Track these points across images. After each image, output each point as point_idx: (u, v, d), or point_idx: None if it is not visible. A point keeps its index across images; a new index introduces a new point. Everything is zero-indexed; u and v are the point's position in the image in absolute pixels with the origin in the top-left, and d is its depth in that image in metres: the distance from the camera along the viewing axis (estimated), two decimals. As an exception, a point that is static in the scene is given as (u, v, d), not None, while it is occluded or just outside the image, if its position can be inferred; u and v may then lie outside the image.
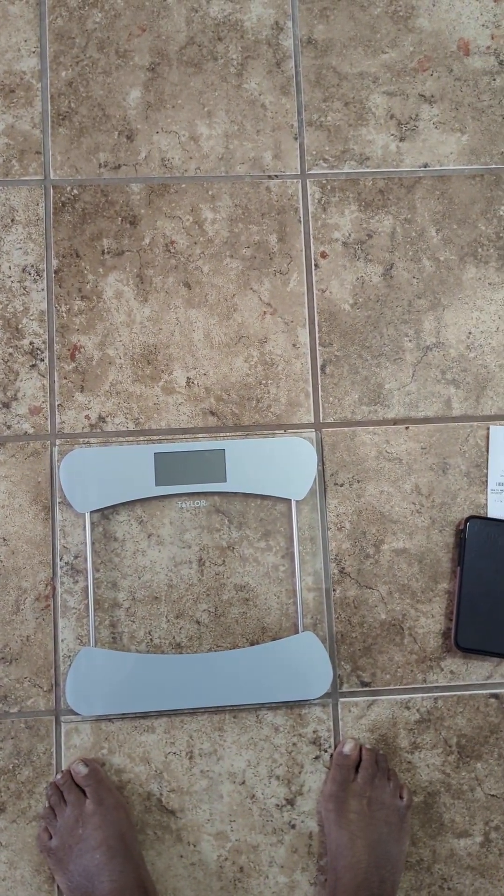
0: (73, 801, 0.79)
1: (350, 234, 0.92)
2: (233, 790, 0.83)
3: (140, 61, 0.93)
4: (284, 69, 0.94)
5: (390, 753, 0.84)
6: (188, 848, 0.82)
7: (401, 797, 0.81)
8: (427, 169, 0.93)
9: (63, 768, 0.82)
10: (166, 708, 0.82)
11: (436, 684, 0.86)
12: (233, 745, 0.84)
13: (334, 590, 0.86)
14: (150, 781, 0.83)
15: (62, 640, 0.84)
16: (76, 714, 0.82)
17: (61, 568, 0.85)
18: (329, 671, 0.84)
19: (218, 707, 0.83)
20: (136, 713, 0.83)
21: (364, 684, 0.86)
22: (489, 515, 0.87)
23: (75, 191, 0.91)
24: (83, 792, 0.79)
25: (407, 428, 0.89)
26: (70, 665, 0.83)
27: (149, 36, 0.93)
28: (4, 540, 0.85)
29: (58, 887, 0.81)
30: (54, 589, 0.85)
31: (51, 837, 0.79)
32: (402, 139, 0.93)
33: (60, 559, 0.85)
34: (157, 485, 0.85)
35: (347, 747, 0.82)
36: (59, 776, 0.81)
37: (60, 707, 0.83)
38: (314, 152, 0.93)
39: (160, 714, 0.83)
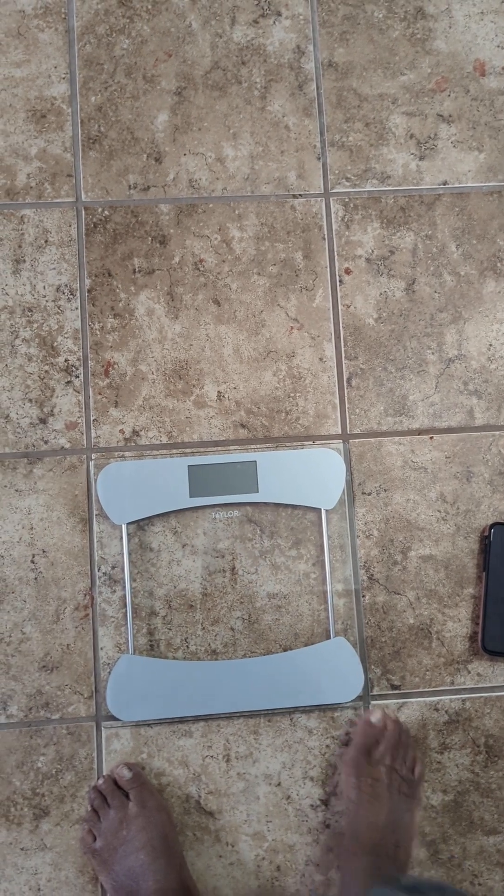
0: (117, 804, 0.80)
1: (373, 251, 0.94)
2: (269, 791, 0.85)
3: (167, 86, 0.95)
4: (306, 91, 0.96)
5: (421, 754, 0.86)
6: (227, 848, 0.84)
7: (413, 771, 0.83)
8: (446, 186, 0.95)
9: (105, 772, 0.84)
10: (204, 713, 0.84)
11: (463, 686, 0.88)
12: (268, 747, 0.86)
13: (364, 596, 0.88)
14: (189, 784, 0.85)
15: (101, 648, 0.86)
16: (116, 720, 0.84)
17: (99, 578, 0.87)
18: (360, 675, 0.85)
19: (253, 711, 0.85)
20: (174, 718, 0.85)
21: (394, 687, 0.87)
22: (512, 522, 0.89)
23: (106, 212, 0.93)
24: (126, 795, 0.81)
25: (431, 438, 0.91)
26: (110, 672, 0.85)
27: (175, 61, 0.96)
28: (44, 552, 0.87)
29: (101, 887, 0.82)
30: (93, 598, 0.87)
31: (95, 839, 0.81)
32: (421, 158, 0.96)
33: (98, 570, 0.87)
34: (191, 496, 0.87)
35: (375, 717, 0.84)
36: (101, 780, 0.83)
37: (101, 713, 0.85)
38: (337, 171, 0.95)
39: (197, 719, 0.85)
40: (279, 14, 0.97)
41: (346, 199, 0.94)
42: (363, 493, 0.90)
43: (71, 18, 0.96)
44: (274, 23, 0.97)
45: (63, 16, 0.95)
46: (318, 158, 0.95)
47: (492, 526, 0.88)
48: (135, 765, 0.83)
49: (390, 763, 0.82)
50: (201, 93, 0.95)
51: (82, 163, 0.93)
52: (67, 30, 0.95)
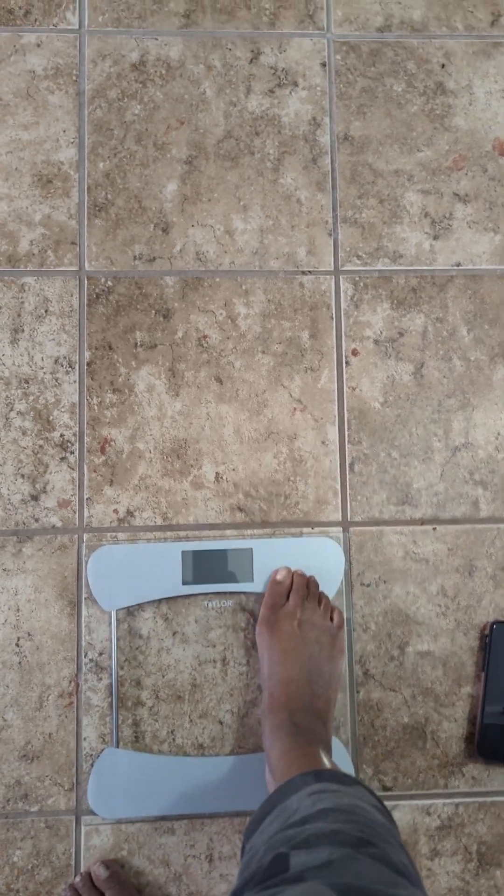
0: None
1: (382, 332, 0.91)
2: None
3: (177, 154, 0.93)
4: (321, 165, 0.93)
5: (341, 607, 0.83)
6: None
7: (331, 619, 0.82)
8: (460, 268, 0.92)
9: (82, 870, 0.81)
10: (189, 812, 0.81)
11: (457, 790, 0.85)
12: (253, 848, 0.83)
13: (358, 692, 0.85)
14: (170, 884, 0.82)
15: (84, 739, 0.83)
16: (97, 815, 0.81)
17: (85, 665, 0.84)
18: (351, 775, 0.82)
19: (241, 811, 0.82)
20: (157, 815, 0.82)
21: (386, 789, 0.84)
22: (515, 621, 0.86)
23: (110, 282, 0.90)
24: (102, 895, 0.78)
25: (434, 529, 0.88)
26: (92, 765, 0.82)
27: (186, 129, 0.93)
28: (29, 635, 0.84)
29: None
30: (78, 686, 0.84)
31: None
32: (435, 237, 0.93)
33: (85, 656, 0.84)
34: (184, 583, 0.84)
35: (280, 574, 0.83)
36: (77, 878, 0.80)
37: (81, 807, 0.82)
38: (348, 249, 0.92)
39: (181, 815, 0.82)
40: (296, 84, 0.94)
41: (357, 278, 0.92)
42: (362, 585, 0.87)
43: (82, 81, 0.93)
44: (290, 93, 0.94)
45: (74, 78, 0.93)
46: (330, 235, 0.92)
47: (493, 624, 0.85)
48: (112, 862, 0.80)
49: (301, 615, 0.80)
50: (212, 162, 0.93)
51: (87, 231, 0.91)
52: (78, 93, 0.93)
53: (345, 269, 0.92)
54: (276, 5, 0.95)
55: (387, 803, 0.83)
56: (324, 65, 0.95)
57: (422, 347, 0.91)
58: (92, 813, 0.81)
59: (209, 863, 0.82)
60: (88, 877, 0.79)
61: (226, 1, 0.95)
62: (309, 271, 0.91)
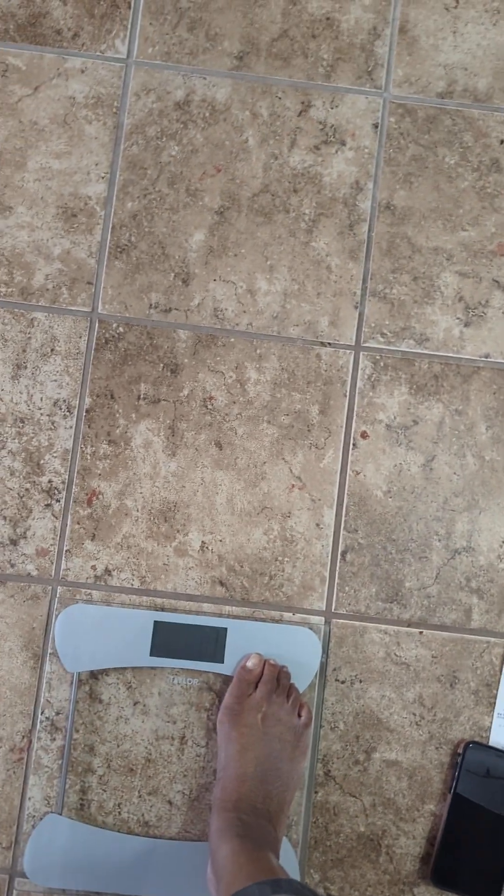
0: None
1: (395, 417, 0.86)
2: None
3: (209, 203, 0.89)
4: (357, 232, 0.89)
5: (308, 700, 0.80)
6: None
7: (299, 715, 0.78)
8: (488, 360, 0.87)
9: None
10: (125, 892, 0.78)
11: (405, 911, 0.81)
12: (184, 938, 0.80)
13: (316, 792, 0.82)
14: None
15: (29, 798, 0.81)
16: (31, 880, 0.79)
17: (41, 722, 0.81)
18: (297, 878, 0.79)
19: (175, 899, 0.79)
20: (93, 892, 0.79)
21: (330, 898, 0.81)
22: (491, 743, 0.82)
23: (121, 329, 0.87)
24: None
25: (421, 633, 0.84)
26: (33, 828, 0.79)
27: (223, 177, 0.89)
28: (-11, 683, 0.82)
29: None
30: (30, 743, 0.81)
31: None
32: (466, 324, 0.88)
33: (42, 713, 0.81)
34: (152, 654, 0.81)
35: (251, 662, 0.79)
36: None
37: (17, 868, 0.80)
38: (373, 324, 0.88)
39: (116, 894, 0.80)
40: (343, 143, 0.89)
41: (377, 357, 0.87)
42: (336, 680, 0.83)
43: (122, 114, 0.89)
44: (336, 152, 0.89)
45: (114, 110, 0.89)
46: (356, 307, 0.87)
47: (468, 744, 0.80)
48: None
49: (266, 709, 0.76)
50: (244, 216, 0.88)
51: (105, 271, 0.87)
52: (116, 126, 0.89)
53: (366, 345, 0.87)
54: (334, 56, 0.90)
55: (329, 914, 0.80)
56: (376, 126, 0.89)
57: (436, 439, 0.86)
58: (26, 877, 0.79)
59: (137, 946, 0.79)
60: None
61: (283, 46, 0.90)
62: (329, 343, 0.87)
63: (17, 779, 0.81)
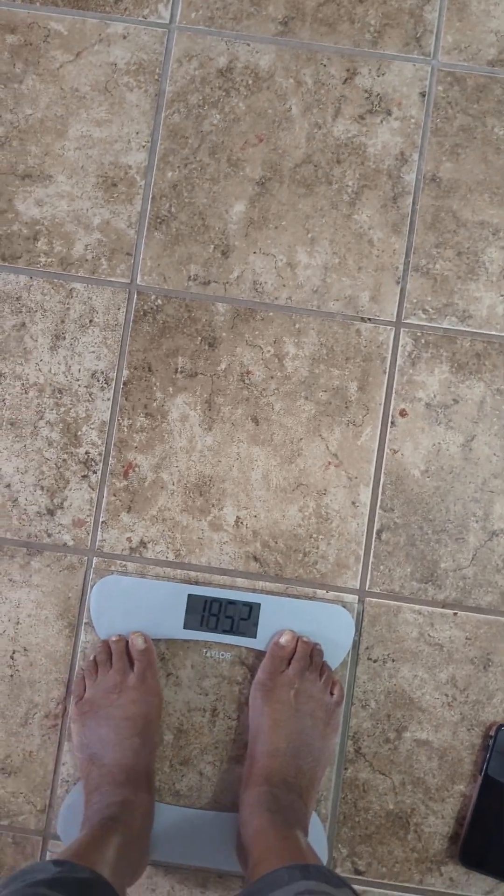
0: (120, 667, 0.78)
1: (435, 396, 0.85)
2: None
3: (251, 173, 0.87)
4: (400, 205, 0.86)
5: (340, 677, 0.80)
6: None
7: (331, 693, 0.78)
8: (532, 339, 0.85)
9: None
10: (155, 858, 0.79)
11: (432, 888, 0.81)
12: (212, 905, 0.81)
13: (346, 768, 0.82)
14: (124, 923, 0.81)
15: (63, 764, 0.82)
16: (64, 843, 0.80)
17: (75, 690, 0.82)
18: (325, 851, 0.79)
19: (205, 868, 0.80)
20: (121, 855, 0.81)
21: (358, 872, 0.81)
22: (524, 726, 0.81)
23: (159, 301, 0.86)
24: (131, 665, 0.78)
25: (455, 614, 0.83)
26: (66, 793, 0.81)
27: (265, 147, 0.87)
28: (25, 650, 0.83)
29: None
30: (65, 710, 0.82)
31: (85, 690, 0.78)
32: (511, 302, 0.85)
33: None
34: (185, 627, 0.81)
35: (284, 638, 0.79)
36: (114, 637, 0.79)
37: (50, 831, 0.81)
38: (414, 300, 0.86)
39: (146, 859, 0.81)
40: (389, 113, 0.87)
41: (419, 333, 0.85)
42: (369, 659, 0.82)
43: (164, 81, 0.88)
44: (381, 122, 0.87)
45: (156, 76, 0.88)
46: (398, 283, 0.86)
47: (499, 727, 0.80)
48: (150, 640, 0.79)
49: (299, 685, 0.77)
50: (286, 187, 0.87)
51: (144, 243, 0.86)
52: (158, 93, 0.88)
53: (408, 321, 0.85)
54: (382, 22, 0.87)
55: (358, 888, 0.80)
56: (423, 95, 0.87)
57: (476, 419, 0.84)
58: (59, 839, 0.80)
59: (166, 910, 0.81)
60: (125, 643, 0.79)
61: (329, 11, 0.88)
62: (369, 319, 0.85)
63: (52, 744, 0.82)
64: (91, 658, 0.80)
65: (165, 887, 0.81)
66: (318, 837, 0.79)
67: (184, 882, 0.81)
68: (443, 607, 0.83)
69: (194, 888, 0.81)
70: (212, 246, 0.86)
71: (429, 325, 0.85)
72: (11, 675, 0.82)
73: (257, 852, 0.66)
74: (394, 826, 0.81)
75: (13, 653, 0.83)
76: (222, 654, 0.82)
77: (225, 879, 0.81)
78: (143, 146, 0.87)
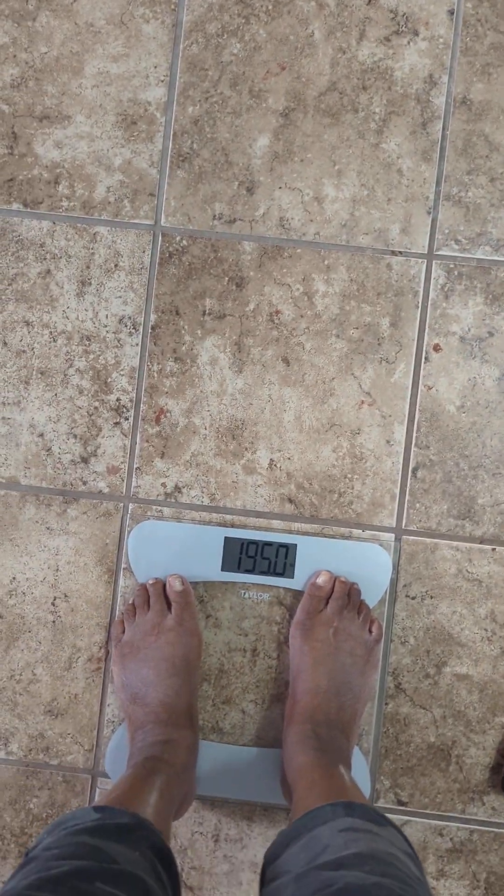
0: (158, 609, 0.79)
1: (469, 329, 0.83)
2: (252, 879, 0.83)
3: (273, 104, 0.84)
4: (430, 131, 0.83)
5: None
6: (200, 924, 0.83)
7: (370, 631, 0.79)
8: None
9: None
10: (201, 793, 0.81)
11: (474, 817, 0.82)
12: (259, 836, 0.83)
13: (387, 703, 0.82)
14: (175, 856, 0.83)
15: (108, 705, 0.83)
16: (112, 779, 0.82)
17: (117, 634, 0.84)
18: (367, 784, 0.81)
19: (250, 801, 0.82)
20: (169, 790, 0.83)
21: (401, 803, 0.82)
22: None
23: (185, 242, 0.84)
24: (169, 607, 0.79)
25: (494, 549, 0.82)
26: (113, 732, 0.83)
27: (287, 76, 0.84)
28: (66, 596, 0.84)
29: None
30: (108, 653, 0.84)
31: (124, 632, 0.80)
32: (548, 228, 0.82)
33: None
34: (223, 570, 0.82)
35: (321, 579, 0.79)
36: (151, 581, 0.80)
37: (98, 768, 0.84)
38: (446, 231, 0.83)
39: (192, 794, 0.83)
40: (416, 34, 0.83)
41: (451, 265, 0.83)
42: (407, 597, 0.82)
43: (181, 11, 0.84)
44: (408, 43, 0.83)
45: (173, 6, 0.84)
46: (429, 213, 0.83)
47: (540, 659, 0.80)
48: (188, 582, 0.80)
49: (338, 624, 0.78)
50: (311, 117, 0.84)
51: (167, 182, 0.84)
52: (175, 24, 0.84)
53: (440, 253, 0.83)
54: None
55: (400, 818, 0.82)
56: (452, 13, 0.83)
57: (512, 351, 0.82)
58: (107, 776, 0.82)
59: (214, 842, 0.83)
60: (162, 585, 0.80)
61: None
62: (400, 252, 0.83)
63: (97, 686, 0.83)
64: (129, 601, 0.81)
65: (212, 821, 0.83)
66: (360, 771, 0.80)
67: (230, 815, 0.83)
68: (480, 543, 0.82)
69: (240, 821, 0.83)
70: (236, 183, 0.84)
71: (462, 255, 0.83)
72: (53, 621, 0.84)
73: (301, 789, 0.67)
74: (435, 758, 0.82)
75: (54, 599, 0.84)
76: (260, 596, 0.83)
77: (270, 812, 0.82)
78: (162, 81, 0.84)
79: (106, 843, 0.54)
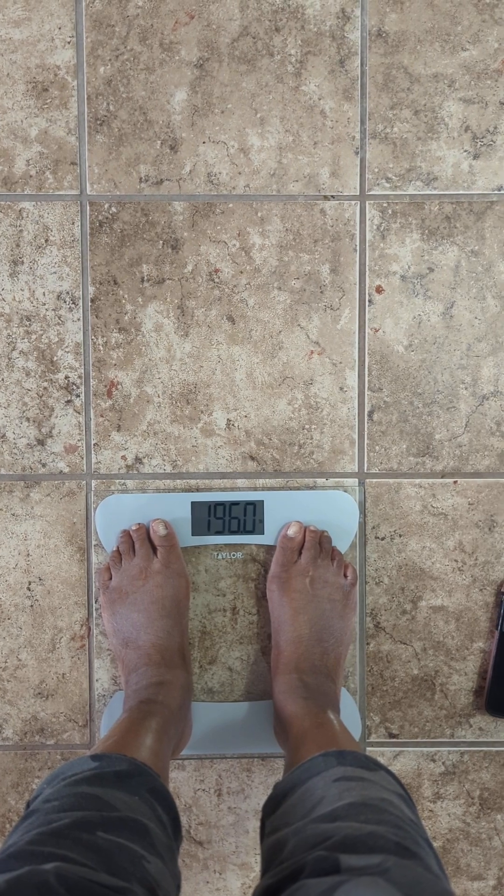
0: (143, 554, 0.79)
1: (409, 267, 0.82)
2: (258, 826, 0.85)
3: (186, 56, 0.81)
4: (349, 68, 0.81)
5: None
6: (214, 875, 0.85)
7: (345, 575, 0.80)
8: (502, 193, 0.82)
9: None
10: (198, 753, 0.82)
11: (463, 739, 0.84)
12: (260, 785, 0.84)
13: (368, 643, 0.84)
14: (181, 814, 0.84)
15: (97, 680, 0.84)
16: (109, 751, 0.83)
17: (96, 609, 0.83)
18: (358, 722, 0.82)
19: (247, 754, 0.84)
20: (167, 754, 0.84)
21: (392, 736, 0.85)
22: (534, 578, 0.83)
23: (114, 209, 0.82)
24: (154, 551, 0.80)
25: (455, 482, 0.83)
26: (105, 707, 0.83)
27: (197, 24, 0.81)
28: (40, 579, 0.83)
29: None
30: (89, 630, 0.83)
31: (111, 578, 0.80)
32: (475, 156, 0.81)
33: (96, 601, 0.83)
34: (193, 534, 0.81)
35: (292, 530, 0.80)
36: (134, 526, 0.81)
37: (95, 742, 0.84)
38: (376, 170, 0.82)
39: (190, 756, 0.84)
40: (323, -33, 0.80)
41: (385, 204, 0.82)
42: (376, 538, 0.83)
43: (78, -34, 0.80)
44: (316, -22, 0.80)
45: (69, -38, 0.80)
46: (356, 153, 0.81)
47: (511, 582, 0.81)
48: (171, 525, 0.80)
49: (313, 573, 0.79)
50: (226, 66, 0.81)
51: (88, 149, 0.81)
52: (74, -19, 0.80)
53: (372, 193, 0.81)
54: None
55: (392, 750, 0.84)
56: None
57: (453, 285, 0.82)
58: (104, 749, 0.83)
59: (218, 797, 0.84)
60: (145, 530, 0.80)
61: None
62: (332, 196, 0.81)
63: (83, 664, 0.83)
64: (115, 548, 0.80)
65: (213, 777, 0.84)
66: (349, 711, 0.81)
67: (230, 770, 0.84)
68: (442, 477, 0.83)
69: (240, 773, 0.84)
70: (158, 142, 0.81)
71: (394, 193, 0.81)
72: (31, 606, 0.83)
73: (293, 738, 0.68)
74: (420, 689, 0.84)
75: (29, 584, 0.83)
76: (234, 555, 0.83)
77: (268, 761, 0.84)
78: (69, 42, 0.81)
79: (105, 791, 0.55)
